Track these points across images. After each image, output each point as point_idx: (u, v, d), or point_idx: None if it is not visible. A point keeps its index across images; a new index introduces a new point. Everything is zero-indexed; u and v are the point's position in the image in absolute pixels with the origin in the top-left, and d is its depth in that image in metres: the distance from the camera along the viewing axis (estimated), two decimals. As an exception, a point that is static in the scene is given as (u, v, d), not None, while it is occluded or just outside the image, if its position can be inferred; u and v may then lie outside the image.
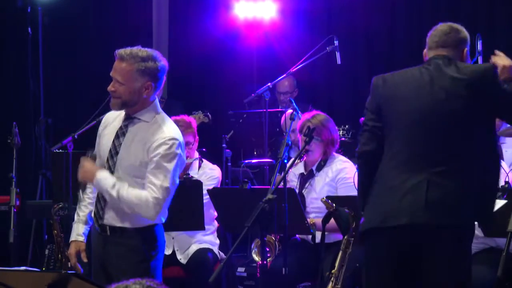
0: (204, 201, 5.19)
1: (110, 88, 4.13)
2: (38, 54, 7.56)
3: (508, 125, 6.92)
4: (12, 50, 7.89)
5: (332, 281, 4.35)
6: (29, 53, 7.51)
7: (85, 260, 4.26)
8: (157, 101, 4.25)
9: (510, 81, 3.81)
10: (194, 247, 5.61)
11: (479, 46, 6.25)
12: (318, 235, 4.73)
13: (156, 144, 4.10)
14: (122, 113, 4.27)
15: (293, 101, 6.40)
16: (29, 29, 7.48)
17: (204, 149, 6.69)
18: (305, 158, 5.46)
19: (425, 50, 3.91)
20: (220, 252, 5.69)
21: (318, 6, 8.29)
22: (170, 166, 4.09)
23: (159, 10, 8.92)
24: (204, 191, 5.21)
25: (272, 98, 7.30)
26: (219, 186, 5.72)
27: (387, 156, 3.72)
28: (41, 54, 7.56)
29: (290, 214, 4.48)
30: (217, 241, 5.75)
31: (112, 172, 4.15)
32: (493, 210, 3.69)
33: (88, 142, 4.48)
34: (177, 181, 4.17)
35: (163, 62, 4.18)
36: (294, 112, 5.69)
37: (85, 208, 4.35)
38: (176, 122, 5.59)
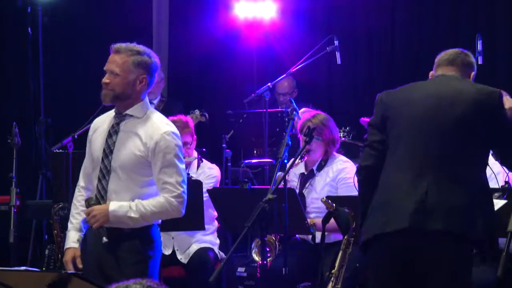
0: (204, 198, 5.19)
1: (104, 80, 4.14)
2: (38, 54, 7.56)
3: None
4: (12, 50, 7.89)
5: (332, 281, 4.35)
6: (29, 53, 7.51)
7: (80, 266, 4.24)
8: (147, 99, 4.27)
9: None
10: (194, 247, 5.61)
11: (479, 46, 6.25)
12: (318, 235, 4.73)
13: (156, 141, 4.11)
14: (110, 116, 4.29)
15: (293, 101, 6.40)
16: (29, 29, 7.48)
17: (204, 149, 6.69)
18: (306, 158, 5.46)
19: (431, 72, 3.95)
20: (220, 252, 5.69)
21: (318, 6, 8.29)
22: (176, 159, 4.13)
23: (159, 10, 8.91)
24: (204, 190, 5.21)
25: (272, 98, 7.30)
26: (218, 185, 5.72)
27: (389, 162, 3.74)
28: (41, 54, 7.55)
29: (290, 214, 4.48)
30: (217, 241, 5.76)
31: (108, 171, 4.15)
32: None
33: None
34: (184, 167, 4.22)
35: (157, 59, 4.25)
36: (294, 112, 5.69)
37: (78, 215, 4.32)
38: (173, 122, 5.60)
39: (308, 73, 7.60)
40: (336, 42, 6.67)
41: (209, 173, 5.70)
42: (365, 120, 6.49)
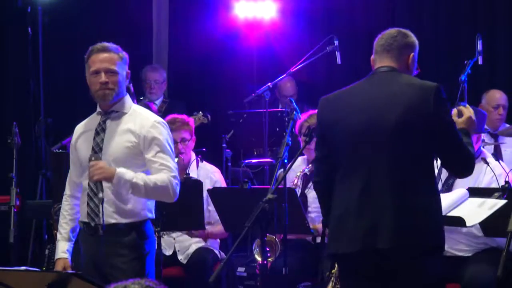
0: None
1: (103, 79, 4.15)
2: (38, 54, 7.55)
3: (508, 125, 6.94)
4: (12, 50, 7.89)
5: (332, 281, 4.34)
6: (29, 53, 7.50)
7: None
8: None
9: (465, 134, 3.75)
10: (194, 247, 5.61)
11: (479, 46, 6.25)
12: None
13: (149, 128, 4.18)
14: (92, 119, 4.31)
15: (293, 101, 6.39)
16: (29, 29, 7.46)
17: (204, 149, 6.69)
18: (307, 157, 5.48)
19: (372, 56, 3.83)
20: (220, 252, 5.70)
21: (318, 6, 8.29)
22: (169, 147, 4.22)
23: (159, 10, 8.91)
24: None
25: (272, 98, 7.29)
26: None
27: (337, 178, 3.69)
28: (41, 54, 7.54)
29: (290, 214, 4.48)
30: (217, 241, 5.76)
31: None
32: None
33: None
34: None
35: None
36: (294, 112, 5.69)
37: (66, 225, 4.35)
38: (174, 119, 5.64)
39: (308, 73, 7.59)
40: (336, 42, 6.67)
41: (211, 177, 5.70)
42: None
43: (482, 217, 4.12)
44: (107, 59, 4.18)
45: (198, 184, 5.13)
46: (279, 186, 4.06)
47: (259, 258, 5.17)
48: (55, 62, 7.96)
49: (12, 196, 5.73)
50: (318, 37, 7.02)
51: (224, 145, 6.81)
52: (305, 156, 5.66)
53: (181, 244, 5.62)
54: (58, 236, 4.36)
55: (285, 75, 6.73)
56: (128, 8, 8.53)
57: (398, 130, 3.53)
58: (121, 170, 4.09)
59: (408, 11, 8.03)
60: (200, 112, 7.03)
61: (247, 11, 8.27)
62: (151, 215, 4.28)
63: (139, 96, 7.50)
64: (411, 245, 3.53)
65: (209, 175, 5.68)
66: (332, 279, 4.35)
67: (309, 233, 5.16)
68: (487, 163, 4.97)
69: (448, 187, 4.94)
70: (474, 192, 4.41)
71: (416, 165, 3.56)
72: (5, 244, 5.64)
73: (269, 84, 6.59)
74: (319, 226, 5.18)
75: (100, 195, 4.05)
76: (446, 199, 4.21)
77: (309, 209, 5.43)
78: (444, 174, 5.02)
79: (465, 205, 4.24)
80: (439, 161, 3.75)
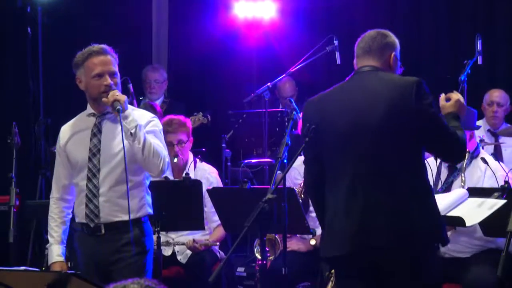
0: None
1: (109, 82, 4.15)
2: (38, 54, 7.55)
3: (508, 125, 6.94)
4: (12, 50, 7.88)
5: (332, 281, 4.34)
6: (29, 53, 7.50)
7: None
8: None
9: (454, 118, 3.74)
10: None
11: (479, 46, 6.25)
12: (318, 232, 4.73)
13: (148, 120, 4.24)
14: (81, 121, 4.32)
15: (292, 101, 6.40)
16: (29, 29, 7.47)
17: (203, 149, 6.69)
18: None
19: (354, 60, 3.83)
20: (220, 252, 5.69)
21: (318, 6, 8.29)
22: (162, 137, 4.29)
23: (159, 10, 8.91)
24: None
25: (272, 98, 7.29)
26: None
27: (326, 180, 3.70)
28: (41, 54, 7.55)
29: (290, 214, 4.48)
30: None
31: (98, 170, 4.16)
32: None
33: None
34: None
35: None
36: (294, 112, 5.68)
37: (57, 227, 4.34)
38: (172, 120, 5.63)
39: (308, 73, 7.59)
40: (335, 42, 6.67)
41: (208, 177, 5.69)
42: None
43: (482, 217, 4.12)
44: (108, 62, 4.20)
45: (197, 184, 5.13)
46: (279, 186, 4.05)
47: (259, 257, 5.17)
48: (55, 62, 7.95)
49: (12, 196, 5.73)
50: (318, 37, 7.02)
51: (223, 145, 6.81)
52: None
53: (181, 245, 5.62)
54: (51, 240, 4.35)
55: (285, 75, 6.73)
56: (128, 8, 8.53)
57: (382, 128, 3.53)
58: (132, 111, 4.16)
59: (408, 11, 8.03)
60: (200, 112, 7.04)
61: (246, 11, 8.27)
62: (150, 210, 4.30)
63: (139, 96, 7.51)
64: (403, 244, 3.53)
65: (206, 175, 5.67)
66: (331, 279, 4.35)
67: (308, 233, 5.16)
68: (486, 163, 4.97)
69: (448, 187, 4.94)
70: (474, 192, 4.41)
71: (404, 163, 3.56)
72: (5, 244, 5.64)
73: (268, 84, 6.59)
74: (317, 233, 5.25)
75: (119, 107, 4.07)
76: (445, 199, 4.22)
77: (311, 208, 5.43)
78: (444, 174, 5.03)
79: (465, 205, 4.24)
80: (438, 160, 3.76)
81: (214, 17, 8.43)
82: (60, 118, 7.54)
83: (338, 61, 6.75)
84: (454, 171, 4.99)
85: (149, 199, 4.31)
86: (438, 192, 4.75)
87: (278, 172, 4.20)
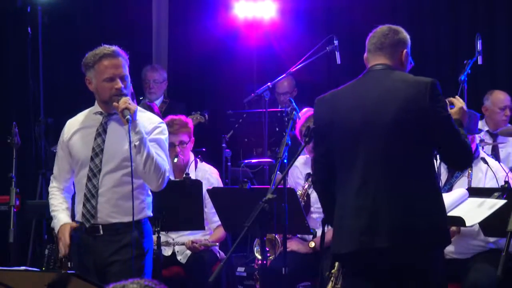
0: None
1: (120, 86, 4.15)
2: (38, 54, 7.55)
3: (509, 125, 6.94)
4: (12, 50, 7.89)
5: (332, 281, 4.34)
6: (29, 53, 7.50)
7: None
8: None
9: (460, 125, 3.75)
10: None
11: (479, 46, 6.25)
12: (319, 233, 4.74)
13: (151, 128, 4.21)
14: (87, 117, 4.32)
15: (292, 100, 6.39)
16: (29, 29, 7.47)
17: (203, 149, 6.69)
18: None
19: (365, 55, 3.81)
20: (220, 252, 5.69)
21: (318, 6, 8.29)
22: (166, 147, 4.27)
23: (159, 10, 8.91)
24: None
25: (272, 98, 7.29)
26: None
27: (337, 178, 3.70)
28: (41, 54, 7.55)
29: (290, 214, 4.48)
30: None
31: (99, 170, 4.16)
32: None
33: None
34: None
35: None
36: (294, 112, 5.69)
37: (61, 204, 4.31)
38: (173, 120, 5.63)
39: (308, 73, 7.59)
40: (335, 42, 6.67)
41: (209, 178, 5.69)
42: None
43: (482, 217, 4.12)
44: (120, 65, 4.18)
45: (197, 184, 5.13)
46: (279, 186, 4.05)
47: (259, 256, 5.18)
48: (55, 62, 7.96)
49: (12, 196, 5.73)
50: (318, 37, 7.02)
51: (224, 145, 6.81)
52: (309, 156, 5.66)
53: (181, 245, 5.61)
54: (54, 210, 4.30)
55: (285, 75, 6.73)
56: (128, 8, 8.53)
57: (394, 127, 3.54)
58: (140, 123, 4.13)
59: (408, 11, 8.03)
60: (198, 112, 7.04)
61: (247, 11, 8.28)
62: (149, 213, 4.30)
63: (139, 96, 7.50)
64: (409, 244, 3.54)
65: (207, 176, 5.67)
66: (332, 279, 4.35)
67: (308, 233, 5.16)
68: (486, 163, 4.97)
69: (449, 187, 4.94)
70: (474, 192, 4.41)
71: (414, 163, 3.56)
72: (5, 244, 5.64)
73: (269, 84, 6.59)
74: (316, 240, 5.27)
75: (128, 117, 4.05)
76: (446, 199, 4.20)
77: (312, 209, 5.44)
78: (444, 175, 5.03)
79: (465, 205, 4.24)
80: (438, 161, 3.76)
81: (214, 17, 8.43)
82: (60, 118, 7.57)
83: (338, 61, 6.75)
84: (455, 172, 4.99)
85: (149, 201, 4.30)
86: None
87: (278, 172, 4.21)
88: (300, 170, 5.63)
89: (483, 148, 5.63)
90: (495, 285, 4.48)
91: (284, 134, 4.29)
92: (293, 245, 5.43)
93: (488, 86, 7.30)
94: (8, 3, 7.74)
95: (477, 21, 7.72)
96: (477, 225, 4.58)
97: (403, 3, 8.06)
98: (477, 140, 5.29)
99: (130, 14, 8.49)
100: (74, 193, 4.36)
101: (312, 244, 5.38)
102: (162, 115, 6.34)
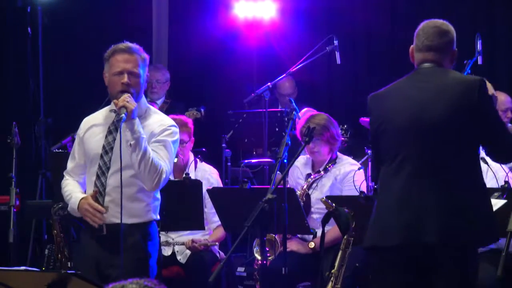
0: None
1: (125, 81, 4.13)
2: (38, 54, 7.55)
3: (510, 125, 6.94)
4: (12, 50, 7.89)
5: (332, 281, 4.34)
6: (29, 53, 7.51)
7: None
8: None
9: None
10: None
11: (479, 46, 6.24)
12: (319, 234, 4.74)
13: (160, 129, 4.20)
14: (103, 114, 4.31)
15: (292, 101, 6.39)
16: (29, 29, 7.47)
17: (203, 149, 6.68)
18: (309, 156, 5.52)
19: (412, 48, 3.83)
20: (220, 252, 5.69)
21: (318, 6, 8.28)
22: (172, 149, 4.23)
23: (159, 10, 8.91)
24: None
25: (272, 98, 7.29)
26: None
27: (383, 172, 3.72)
28: (41, 54, 7.55)
29: (290, 214, 4.48)
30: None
31: (108, 168, 4.15)
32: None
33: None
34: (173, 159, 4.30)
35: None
36: (294, 112, 5.69)
37: (77, 188, 4.32)
38: (173, 120, 5.62)
39: (308, 73, 7.59)
40: (335, 42, 6.66)
41: (209, 178, 5.69)
42: (365, 120, 6.48)
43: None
44: (131, 61, 4.17)
45: (198, 184, 5.13)
46: (279, 186, 4.06)
47: (259, 257, 5.18)
48: (55, 62, 7.96)
49: (12, 196, 5.73)
50: (318, 37, 7.02)
51: (224, 145, 6.80)
52: (309, 156, 5.66)
53: (180, 245, 5.61)
54: (70, 194, 4.29)
55: (285, 75, 6.73)
56: (128, 8, 8.52)
57: (444, 125, 3.59)
58: (139, 121, 4.11)
59: (408, 11, 8.03)
60: (194, 108, 7.05)
61: (247, 11, 8.27)
62: (156, 216, 4.27)
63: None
64: (454, 241, 3.56)
65: (207, 176, 5.67)
66: (332, 279, 4.36)
67: (309, 233, 5.16)
68: (486, 163, 4.97)
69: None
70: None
71: (462, 161, 3.61)
72: (5, 244, 5.64)
73: (269, 84, 6.59)
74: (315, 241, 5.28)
75: (124, 116, 4.05)
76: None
77: (312, 209, 5.44)
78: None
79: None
80: None
81: (214, 17, 8.42)
82: (60, 118, 7.61)
83: (338, 61, 6.74)
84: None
85: (156, 204, 4.28)
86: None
87: (278, 172, 4.21)
88: (300, 170, 5.63)
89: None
90: (495, 285, 4.48)
91: (284, 134, 4.29)
92: (293, 245, 5.43)
93: (488, 86, 7.29)
94: (8, 3, 7.74)
95: (477, 21, 7.72)
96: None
97: (403, 3, 8.06)
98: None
99: (130, 14, 8.49)
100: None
101: (312, 245, 5.38)
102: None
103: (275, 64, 8.12)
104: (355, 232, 4.34)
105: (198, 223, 5.17)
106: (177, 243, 5.59)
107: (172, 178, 5.52)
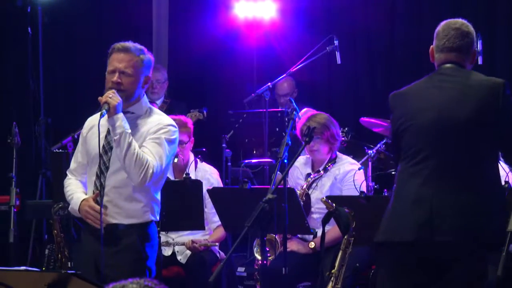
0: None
1: (116, 79, 4.12)
2: (38, 54, 7.55)
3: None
4: (12, 50, 7.89)
5: (332, 281, 4.35)
6: (29, 53, 7.50)
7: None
8: (145, 95, 4.31)
9: None
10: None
11: (479, 46, 6.24)
12: (319, 234, 4.74)
13: (157, 128, 4.18)
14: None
15: (293, 101, 6.39)
16: (29, 29, 7.47)
17: (203, 149, 6.68)
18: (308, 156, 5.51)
19: (432, 47, 3.86)
20: (220, 252, 5.69)
21: (318, 5, 8.28)
22: (167, 147, 4.18)
23: (159, 10, 8.91)
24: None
25: (272, 98, 7.29)
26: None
27: (400, 169, 3.74)
28: (41, 54, 7.55)
29: (290, 214, 4.48)
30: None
31: (107, 168, 4.15)
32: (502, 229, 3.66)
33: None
34: (167, 164, 4.22)
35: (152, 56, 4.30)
36: (294, 112, 5.69)
37: (78, 188, 4.31)
38: (173, 120, 5.62)
39: (308, 73, 7.59)
40: (336, 42, 6.67)
41: (209, 178, 5.68)
42: (365, 120, 6.48)
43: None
44: (125, 60, 4.15)
45: (198, 184, 5.13)
46: (279, 186, 4.05)
47: (259, 257, 5.18)
48: (55, 62, 7.96)
49: (12, 196, 5.73)
50: (318, 37, 7.02)
51: (224, 145, 6.80)
52: (309, 156, 5.66)
53: (181, 245, 5.61)
54: (71, 195, 4.28)
55: (285, 75, 6.73)
56: (128, 8, 8.53)
57: (468, 126, 3.59)
58: (122, 116, 4.07)
59: (408, 11, 8.02)
60: (197, 109, 7.05)
61: (247, 11, 8.27)
62: (155, 217, 4.26)
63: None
64: (469, 241, 3.56)
65: (207, 176, 5.67)
66: (332, 279, 4.36)
67: (309, 233, 5.16)
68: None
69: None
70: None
71: (481, 162, 3.62)
72: (5, 244, 5.64)
73: (269, 84, 6.59)
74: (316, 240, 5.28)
75: (104, 112, 4.03)
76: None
77: (312, 209, 5.44)
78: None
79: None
80: None
81: (214, 17, 8.43)
82: (60, 118, 7.61)
83: (338, 61, 6.75)
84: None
85: (156, 206, 4.26)
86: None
87: (278, 172, 4.21)
88: (300, 170, 5.63)
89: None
90: (495, 285, 4.47)
91: (284, 134, 4.29)
92: (293, 245, 5.43)
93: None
94: (8, 3, 7.74)
95: (477, 21, 7.71)
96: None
97: (403, 3, 8.06)
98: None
99: (130, 14, 8.49)
100: None
101: (312, 245, 5.38)
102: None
103: (275, 64, 8.12)
104: (355, 232, 4.34)
105: (198, 223, 5.17)
106: (177, 243, 5.59)
107: (172, 178, 5.53)
